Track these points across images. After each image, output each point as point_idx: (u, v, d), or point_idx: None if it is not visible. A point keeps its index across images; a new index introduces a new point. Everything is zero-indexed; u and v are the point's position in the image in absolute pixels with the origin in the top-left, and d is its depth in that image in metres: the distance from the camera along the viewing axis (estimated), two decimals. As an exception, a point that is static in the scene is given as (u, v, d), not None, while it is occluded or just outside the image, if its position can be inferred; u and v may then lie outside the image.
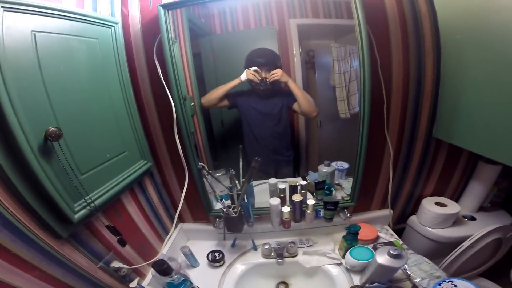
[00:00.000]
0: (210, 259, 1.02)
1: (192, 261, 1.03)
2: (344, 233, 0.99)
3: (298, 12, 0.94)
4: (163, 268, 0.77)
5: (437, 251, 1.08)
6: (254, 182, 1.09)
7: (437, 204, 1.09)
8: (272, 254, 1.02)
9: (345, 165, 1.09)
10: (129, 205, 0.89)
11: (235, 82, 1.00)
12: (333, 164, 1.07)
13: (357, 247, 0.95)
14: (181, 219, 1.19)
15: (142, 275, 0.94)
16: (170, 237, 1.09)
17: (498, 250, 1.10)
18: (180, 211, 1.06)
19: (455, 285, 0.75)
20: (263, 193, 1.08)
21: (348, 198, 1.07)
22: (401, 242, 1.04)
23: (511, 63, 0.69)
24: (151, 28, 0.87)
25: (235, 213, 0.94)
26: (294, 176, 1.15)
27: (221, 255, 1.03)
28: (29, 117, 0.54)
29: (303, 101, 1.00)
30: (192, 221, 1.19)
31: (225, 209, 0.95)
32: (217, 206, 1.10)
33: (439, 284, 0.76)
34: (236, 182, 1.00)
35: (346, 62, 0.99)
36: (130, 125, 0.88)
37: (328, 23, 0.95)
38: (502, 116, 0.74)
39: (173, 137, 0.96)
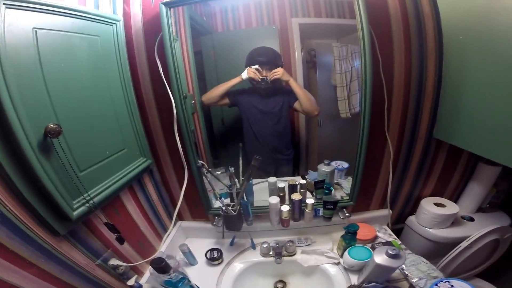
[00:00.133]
0: (208, 257, 1.02)
1: (191, 259, 1.03)
2: (342, 232, 0.99)
3: (300, 11, 0.94)
4: (161, 266, 0.77)
5: (435, 251, 1.08)
6: (254, 181, 1.09)
7: (436, 204, 1.09)
8: (271, 253, 1.03)
9: (345, 165, 1.09)
10: (128, 203, 0.89)
11: (236, 80, 1.00)
12: (333, 163, 1.07)
13: (356, 247, 0.95)
14: (180, 217, 1.19)
15: (140, 273, 0.94)
16: (168, 235, 1.09)
17: (495, 251, 1.10)
18: (179, 209, 1.06)
19: (452, 286, 0.75)
20: (263, 192, 1.08)
21: (347, 198, 1.07)
22: (399, 242, 1.04)
23: (510, 65, 0.69)
24: (153, 26, 0.87)
25: (234, 212, 0.94)
26: (293, 175, 1.15)
27: (219, 253, 1.03)
28: (29, 113, 0.54)
29: (304, 99, 0.99)
30: (191, 219, 1.19)
31: (224, 208, 0.95)
32: (216, 204, 1.09)
33: (436, 284, 0.76)
34: (236, 180, 1.00)
35: (348, 61, 0.99)
36: (130, 122, 0.88)
37: (330, 23, 0.94)
38: (502, 117, 0.74)
39: (173, 135, 0.95)
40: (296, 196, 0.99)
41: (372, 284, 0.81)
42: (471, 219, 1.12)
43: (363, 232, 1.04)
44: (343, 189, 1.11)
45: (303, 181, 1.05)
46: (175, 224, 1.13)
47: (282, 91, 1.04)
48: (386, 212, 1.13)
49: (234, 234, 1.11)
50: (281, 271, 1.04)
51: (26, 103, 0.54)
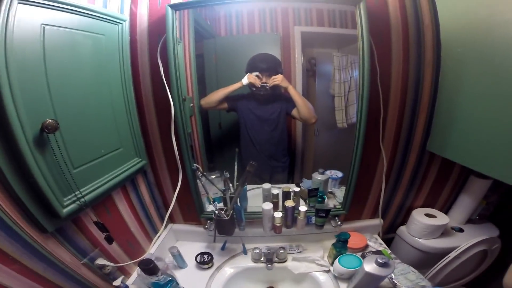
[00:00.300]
0: (198, 261, 1.01)
1: (180, 262, 1.02)
2: (334, 240, 0.99)
3: (303, 20, 0.95)
4: (149, 267, 0.76)
5: (424, 261, 1.09)
6: (248, 186, 1.09)
7: (427, 215, 1.11)
8: (262, 259, 1.02)
9: (339, 174, 1.09)
10: (119, 203, 0.88)
11: (236, 86, 1.00)
12: (327, 172, 1.08)
13: (346, 255, 0.95)
14: (171, 219, 1.17)
15: (127, 274, 0.92)
16: (159, 237, 1.08)
17: (483, 261, 1.12)
18: (171, 211, 1.05)
19: (439, 295, 0.76)
20: (257, 198, 1.07)
21: (340, 207, 1.08)
22: (389, 251, 1.05)
23: (507, 79, 0.70)
24: (158, 27, 0.87)
25: (227, 216, 0.93)
26: (288, 182, 1.15)
27: (210, 257, 1.02)
28: (27, 107, 0.54)
29: (302, 107, 1.00)
30: (182, 222, 1.18)
31: (217, 212, 0.94)
32: (209, 208, 1.09)
33: (424, 294, 0.77)
34: (230, 185, 1.00)
35: (347, 71, 1.00)
36: (128, 122, 0.88)
37: (332, 32, 0.96)
38: (494, 131, 0.76)
39: (170, 137, 0.95)
40: (290, 203, 0.99)
41: (361, 292, 0.81)
42: (461, 230, 1.14)
43: (354, 241, 1.04)
44: (336, 198, 1.12)
45: (297, 189, 1.05)
46: (166, 226, 1.12)
47: (280, 98, 1.05)
48: (377, 221, 1.14)
49: (226, 239, 1.10)
50: (272, 277, 1.03)
51: (25, 97, 0.54)
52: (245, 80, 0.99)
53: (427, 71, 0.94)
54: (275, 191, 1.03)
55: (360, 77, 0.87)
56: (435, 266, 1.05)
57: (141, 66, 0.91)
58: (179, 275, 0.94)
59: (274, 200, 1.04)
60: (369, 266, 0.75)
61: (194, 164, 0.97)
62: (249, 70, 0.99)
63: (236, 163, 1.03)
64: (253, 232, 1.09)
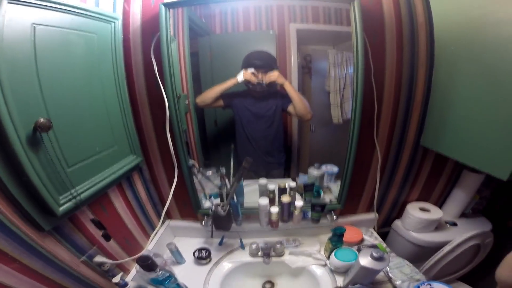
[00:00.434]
0: (196, 256, 1.02)
1: (178, 258, 1.03)
2: (330, 234, 1.01)
3: (299, 17, 0.95)
4: (147, 264, 0.77)
5: (419, 255, 1.11)
6: (244, 182, 1.09)
7: (421, 209, 1.13)
8: (259, 253, 1.03)
9: (335, 169, 1.10)
10: (116, 200, 0.88)
11: (231, 82, 1.00)
12: (323, 167, 1.09)
13: (342, 249, 0.97)
14: (168, 216, 1.18)
15: (126, 270, 0.93)
16: (156, 233, 1.08)
17: (476, 255, 1.14)
18: (168, 207, 1.06)
19: (433, 288, 0.77)
20: (253, 193, 1.08)
21: (336, 201, 1.09)
22: (384, 245, 1.07)
23: (498, 77, 0.71)
24: (151, 26, 0.87)
25: (224, 211, 0.94)
26: (284, 178, 1.16)
27: (208, 252, 1.03)
28: (19, 107, 0.54)
29: (298, 103, 1.00)
30: (179, 218, 1.18)
31: (213, 207, 0.95)
32: (206, 204, 1.09)
33: (418, 287, 0.79)
34: (226, 180, 1.00)
35: (342, 68, 1.01)
36: (122, 119, 0.87)
37: (327, 29, 0.96)
38: (486, 127, 0.77)
39: (165, 134, 0.95)
40: (286, 198, 1.00)
41: (357, 285, 0.82)
42: (454, 224, 1.16)
43: (350, 235, 1.06)
44: (332, 192, 1.13)
45: (293, 184, 1.06)
46: (163, 222, 1.12)
47: (276, 95, 1.05)
48: (373, 215, 1.15)
49: (223, 234, 1.11)
50: (269, 271, 1.05)
51: (17, 97, 0.53)
52: (240, 77, 0.99)
53: (421, 69, 0.95)
54: (271, 186, 1.04)
55: (354, 75, 0.87)
56: (430, 259, 1.07)
57: (134, 64, 0.91)
58: (178, 270, 0.96)
59: (271, 195, 1.05)
60: (365, 260, 0.77)
61: (190, 161, 0.97)
62: (245, 67, 0.99)
63: (232, 159, 1.03)
64: (250, 227, 1.10)
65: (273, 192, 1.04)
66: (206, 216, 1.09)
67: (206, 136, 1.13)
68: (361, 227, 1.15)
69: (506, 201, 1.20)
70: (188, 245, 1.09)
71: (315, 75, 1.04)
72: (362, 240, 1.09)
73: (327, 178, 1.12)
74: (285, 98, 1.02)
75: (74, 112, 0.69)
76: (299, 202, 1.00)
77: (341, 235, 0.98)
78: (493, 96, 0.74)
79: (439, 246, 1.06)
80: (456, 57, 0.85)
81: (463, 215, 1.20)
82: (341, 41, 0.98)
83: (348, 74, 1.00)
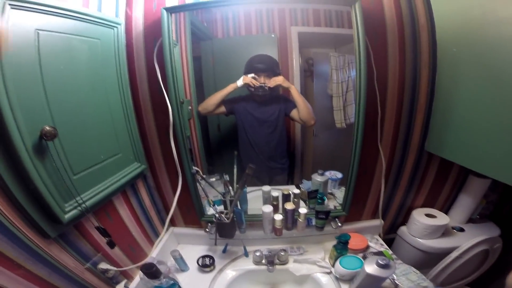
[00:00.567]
0: (200, 264, 1.01)
1: (182, 265, 1.02)
2: (335, 242, 0.99)
3: (300, 20, 0.96)
4: (151, 271, 0.77)
5: (425, 261, 1.09)
6: (248, 189, 1.09)
7: (427, 215, 1.11)
8: (263, 261, 1.02)
9: (339, 175, 1.09)
10: (120, 207, 0.88)
11: (231, 88, 1.00)
12: (327, 173, 1.08)
13: (347, 256, 0.95)
14: (172, 223, 1.17)
15: (130, 278, 0.92)
16: (160, 240, 1.08)
17: (485, 261, 1.12)
18: (172, 214, 1.06)
19: (441, 295, 0.76)
20: (257, 200, 1.08)
21: (340, 208, 1.08)
22: (390, 252, 1.05)
23: (502, 78, 0.70)
24: (153, 30, 0.87)
25: (228, 219, 0.94)
26: (287, 184, 1.16)
27: (211, 260, 1.02)
28: (25, 115, 0.54)
29: (303, 108, 1.00)
30: (183, 225, 1.18)
31: (217, 215, 0.95)
32: (210, 211, 1.09)
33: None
34: (230, 188, 1.00)
35: (344, 71, 1.01)
36: (126, 127, 0.88)
37: (329, 32, 0.96)
38: (491, 131, 0.76)
39: (169, 141, 0.95)
40: (290, 206, 0.99)
41: (363, 293, 0.81)
42: (462, 230, 1.14)
43: (355, 242, 1.04)
44: (336, 199, 1.12)
45: (297, 191, 1.05)
46: (167, 229, 1.12)
47: (278, 99, 1.05)
48: (378, 222, 1.14)
49: (227, 242, 1.10)
50: (273, 279, 1.03)
51: (23, 104, 0.54)
52: (239, 82, 0.99)
53: (424, 71, 0.94)
54: (275, 193, 1.03)
55: (357, 79, 0.87)
56: (437, 266, 1.05)
57: (137, 70, 0.91)
58: (181, 278, 0.95)
59: (274, 203, 1.04)
60: (370, 268, 0.75)
61: (194, 167, 0.97)
62: (247, 71, 1.00)
63: (235, 166, 1.03)
64: (254, 234, 1.09)
65: (276, 199, 1.04)
66: (209, 224, 1.09)
67: (209, 142, 1.13)
68: (366, 234, 1.13)
69: (514, 205, 1.18)
70: (192, 252, 1.08)
71: (317, 78, 1.04)
72: (368, 247, 1.07)
73: (331, 184, 1.11)
74: (288, 103, 1.02)
75: (79, 119, 0.69)
76: (303, 209, 1.00)
77: (346, 243, 0.96)
78: (497, 98, 0.73)
79: (446, 252, 1.04)
80: (458, 58, 0.84)
81: (470, 220, 1.18)
82: (343, 43, 0.98)
83: (351, 77, 1.00)
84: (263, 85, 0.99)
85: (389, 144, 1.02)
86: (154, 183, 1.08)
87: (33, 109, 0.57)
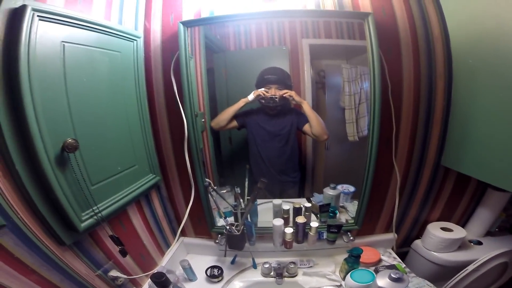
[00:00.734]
0: (208, 274, 1.01)
1: (190, 275, 1.02)
2: (346, 255, 0.97)
3: (311, 32, 0.96)
4: (161, 281, 0.77)
5: (440, 274, 1.05)
6: (258, 201, 1.09)
7: (443, 229, 1.08)
8: (272, 273, 1.01)
9: (351, 189, 1.08)
10: (134, 217, 0.90)
11: (242, 103, 1.01)
12: (339, 187, 1.07)
13: (358, 270, 0.93)
14: (182, 233, 1.18)
15: (138, 286, 0.93)
16: (170, 250, 1.08)
17: (503, 273, 1.07)
18: (183, 225, 1.06)
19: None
20: (267, 212, 1.07)
21: (352, 221, 1.06)
22: (403, 265, 1.02)
23: None
24: (170, 44, 0.90)
25: (238, 231, 0.93)
26: (299, 197, 1.14)
27: (220, 271, 1.02)
28: (49, 127, 0.56)
29: (316, 124, 1.00)
30: (193, 236, 1.18)
31: (228, 227, 0.95)
32: (220, 222, 1.09)
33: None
34: (241, 200, 1.00)
35: (357, 83, 1.00)
36: (143, 139, 0.90)
37: (340, 44, 0.96)
38: (509, 145, 0.74)
39: (183, 153, 0.97)
40: (301, 219, 0.98)
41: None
42: (479, 243, 1.10)
43: (367, 255, 1.02)
44: (348, 212, 1.10)
45: (308, 204, 1.04)
46: (177, 239, 1.13)
47: (291, 112, 1.05)
48: (391, 236, 1.11)
49: (236, 253, 1.09)
50: (282, 292, 1.01)
51: (48, 117, 0.55)
52: (250, 96, 1.00)
53: (439, 84, 0.92)
54: (285, 206, 1.03)
55: (371, 93, 0.86)
56: (452, 279, 1.01)
57: (155, 83, 0.94)
58: (189, 288, 0.95)
59: (285, 216, 1.03)
60: (382, 281, 0.74)
61: (206, 180, 0.98)
62: (259, 83, 1.01)
63: (246, 179, 1.03)
64: (264, 247, 1.08)
65: (287, 212, 1.03)
66: (220, 235, 1.08)
67: (221, 154, 1.14)
68: (379, 248, 1.11)
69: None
70: (201, 262, 1.08)
71: (329, 90, 1.04)
72: (380, 260, 1.05)
73: (343, 197, 1.09)
74: (301, 116, 1.01)
75: (99, 131, 0.71)
76: (314, 223, 0.98)
77: (358, 256, 0.95)
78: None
79: (462, 266, 0.99)
80: (475, 70, 0.83)
81: (489, 233, 1.14)
82: (355, 54, 0.98)
83: (363, 89, 0.99)
84: (273, 96, 0.99)
85: (404, 159, 1.00)
86: (167, 194, 1.10)
87: (57, 122, 0.58)
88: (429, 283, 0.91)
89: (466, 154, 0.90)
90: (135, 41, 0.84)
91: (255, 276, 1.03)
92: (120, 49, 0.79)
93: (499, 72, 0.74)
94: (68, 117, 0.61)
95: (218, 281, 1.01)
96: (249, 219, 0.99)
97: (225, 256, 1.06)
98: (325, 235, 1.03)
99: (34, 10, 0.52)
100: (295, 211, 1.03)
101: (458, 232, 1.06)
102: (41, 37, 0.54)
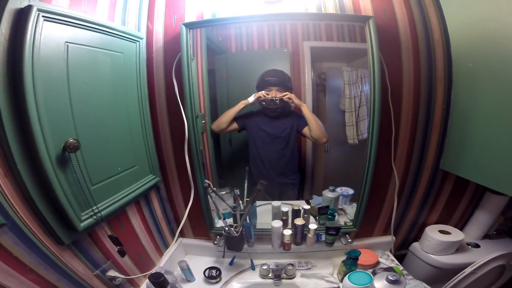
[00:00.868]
0: (206, 275, 1.01)
1: (188, 276, 1.02)
2: (344, 257, 0.98)
3: (312, 35, 0.97)
4: (159, 281, 0.77)
5: (438, 277, 1.06)
6: (258, 203, 1.09)
7: (441, 231, 1.08)
8: (270, 275, 1.01)
9: (350, 191, 1.08)
10: (133, 217, 0.90)
11: (242, 105, 1.01)
12: (338, 189, 1.07)
13: (356, 272, 0.93)
14: (181, 234, 1.18)
15: (136, 286, 0.93)
16: (169, 250, 1.08)
17: (500, 276, 1.08)
18: (182, 226, 1.06)
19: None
20: (266, 214, 1.07)
21: (351, 224, 1.06)
22: (401, 268, 1.03)
23: None
24: (172, 45, 0.90)
25: (237, 233, 0.94)
26: (298, 199, 1.14)
27: (218, 272, 1.02)
28: (51, 127, 0.56)
29: (315, 127, 1.00)
30: (192, 237, 1.18)
31: (227, 228, 0.95)
32: (219, 223, 1.09)
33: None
34: (240, 202, 1.00)
35: (357, 86, 1.00)
36: (143, 140, 0.90)
37: (341, 46, 0.96)
38: (509, 149, 0.74)
39: (183, 154, 0.97)
40: (299, 221, 0.98)
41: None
42: (477, 246, 1.11)
43: (365, 257, 1.03)
44: (347, 215, 1.11)
45: (307, 206, 1.04)
46: (176, 240, 1.13)
47: (291, 115, 1.05)
48: (389, 238, 1.11)
49: (234, 254, 1.09)
50: (280, 294, 1.01)
51: (50, 117, 0.56)
52: (251, 99, 1.00)
53: (439, 88, 0.93)
54: (284, 208, 1.03)
55: (371, 95, 0.87)
56: (450, 281, 1.01)
57: (157, 84, 0.94)
58: (187, 289, 0.95)
59: (284, 218, 1.03)
60: (380, 283, 0.74)
61: (206, 181, 0.98)
62: (260, 85, 1.01)
63: (246, 181, 1.03)
64: (262, 248, 1.08)
65: (286, 214, 1.03)
66: (218, 236, 1.08)
67: (221, 156, 1.14)
68: (377, 250, 1.11)
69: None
70: (199, 263, 1.08)
71: (329, 93, 1.04)
72: (378, 262, 1.06)
73: (342, 200, 1.09)
74: (301, 119, 1.02)
75: (101, 132, 0.71)
76: (312, 225, 0.99)
77: (356, 259, 0.95)
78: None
79: (460, 268, 1.00)
80: (474, 73, 0.83)
81: (487, 236, 1.15)
82: (356, 57, 0.98)
83: (364, 92, 0.99)
84: (273, 98, 0.99)
85: (403, 162, 1.01)
86: (167, 195, 1.10)
87: (59, 121, 0.59)
88: (426, 285, 0.92)
89: (465, 158, 0.90)
90: (137, 42, 0.85)
91: (253, 277, 1.03)
92: (123, 50, 0.79)
93: (499, 76, 0.75)
94: (70, 117, 0.61)
95: (216, 282, 1.01)
96: (248, 221, 0.99)
97: (223, 257, 1.06)
98: (323, 237, 1.03)
99: (40, 10, 0.52)
100: (294, 213, 1.03)
101: (456, 235, 1.06)
102: (46, 37, 0.54)
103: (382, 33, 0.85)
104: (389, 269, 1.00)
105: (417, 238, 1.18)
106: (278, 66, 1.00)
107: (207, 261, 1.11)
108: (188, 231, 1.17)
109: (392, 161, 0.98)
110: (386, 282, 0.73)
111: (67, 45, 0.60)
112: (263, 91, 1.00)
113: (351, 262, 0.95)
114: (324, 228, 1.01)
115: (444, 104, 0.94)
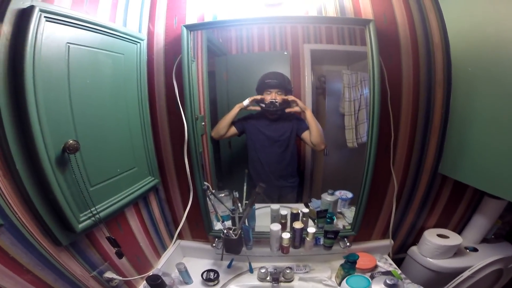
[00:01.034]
0: (204, 278, 1.00)
1: (186, 278, 1.01)
2: (342, 261, 0.97)
3: (313, 37, 0.97)
4: (157, 283, 0.77)
5: (436, 281, 1.06)
6: (256, 206, 1.08)
7: (439, 235, 1.09)
8: (268, 278, 1.01)
9: (349, 195, 1.08)
10: (131, 219, 0.89)
11: (237, 108, 1.01)
12: (337, 193, 1.07)
13: (354, 276, 0.93)
14: (179, 236, 1.17)
15: (133, 288, 0.92)
16: (167, 252, 1.08)
17: (498, 280, 1.08)
18: (180, 228, 1.06)
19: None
20: (265, 217, 1.07)
21: (349, 227, 1.06)
22: (399, 271, 1.02)
23: None
24: (173, 47, 0.91)
25: (235, 236, 0.93)
26: (297, 202, 1.14)
27: (216, 274, 1.01)
28: (51, 128, 0.56)
29: (316, 132, 1.00)
30: (190, 239, 1.18)
31: (225, 231, 0.94)
32: (217, 226, 1.09)
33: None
34: (239, 204, 1.00)
35: (357, 89, 1.00)
36: (143, 141, 0.90)
37: (341, 49, 0.96)
38: (508, 154, 0.74)
39: (182, 156, 0.97)
40: (298, 225, 0.98)
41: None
42: (475, 250, 1.11)
43: (363, 261, 1.02)
44: (345, 218, 1.11)
45: (306, 210, 1.04)
46: (174, 242, 1.12)
47: (290, 118, 1.05)
48: (387, 242, 1.11)
49: (233, 257, 1.09)
50: (278, 297, 1.01)
51: (50, 118, 0.55)
52: (246, 102, 1.00)
53: (438, 92, 0.93)
54: (283, 211, 1.03)
55: (370, 99, 0.87)
56: (447, 285, 1.02)
57: (157, 86, 0.94)
58: (185, 291, 0.94)
59: (282, 221, 1.03)
60: (378, 287, 0.74)
61: (205, 183, 0.98)
62: (259, 87, 1.01)
63: (245, 184, 1.03)
64: (260, 251, 1.08)
65: (285, 217, 1.03)
66: (217, 239, 1.08)
67: (220, 159, 1.14)
68: (375, 254, 1.11)
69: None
70: (197, 265, 1.07)
71: (329, 96, 1.04)
72: (376, 266, 1.05)
73: (341, 203, 1.09)
74: (301, 123, 1.02)
75: (100, 133, 0.71)
76: (311, 229, 0.98)
77: (354, 262, 0.94)
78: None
79: (458, 272, 1.01)
80: (474, 78, 0.83)
81: (485, 240, 1.15)
82: (356, 60, 0.98)
83: (363, 95, 0.99)
84: (274, 100, 0.99)
85: (402, 166, 1.01)
86: (165, 196, 1.09)
87: (59, 122, 0.58)
88: (424, 289, 0.91)
89: (463, 162, 0.91)
90: (138, 44, 0.85)
91: (251, 280, 1.02)
92: (124, 51, 0.79)
93: (498, 80, 0.75)
94: (70, 118, 0.61)
95: (214, 285, 1.00)
96: (246, 224, 0.99)
97: (221, 260, 1.06)
98: (322, 241, 1.03)
99: (42, 11, 0.53)
100: (292, 217, 1.03)
101: (454, 239, 1.07)
102: (47, 38, 0.55)
103: (382, 36, 0.86)
104: (387, 273, 0.99)
105: (415, 242, 1.18)
106: (278, 68, 1.01)
107: (205, 264, 1.10)
108: (186, 233, 1.17)
109: (391, 165, 0.98)
110: (384, 286, 0.74)
111: (68, 46, 0.60)
112: (259, 96, 1.00)
113: (349, 266, 0.94)
114: (323, 232, 1.01)
115: (443, 108, 0.95)
